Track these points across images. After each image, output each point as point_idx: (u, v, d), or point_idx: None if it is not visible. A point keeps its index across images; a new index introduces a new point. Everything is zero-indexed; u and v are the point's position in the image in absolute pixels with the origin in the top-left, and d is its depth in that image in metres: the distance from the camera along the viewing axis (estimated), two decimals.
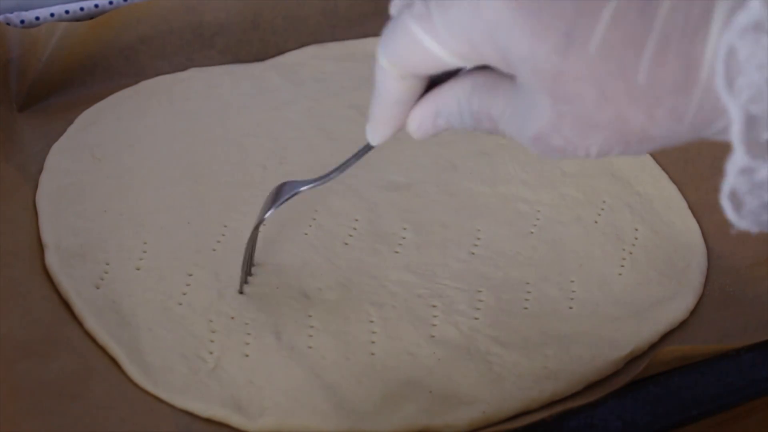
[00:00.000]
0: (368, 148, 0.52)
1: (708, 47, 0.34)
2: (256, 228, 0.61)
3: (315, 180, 0.57)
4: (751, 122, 0.33)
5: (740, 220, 0.37)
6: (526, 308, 0.63)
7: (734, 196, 0.36)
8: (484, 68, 0.43)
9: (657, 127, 0.36)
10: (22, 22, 0.80)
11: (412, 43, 0.42)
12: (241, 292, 0.62)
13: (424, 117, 0.46)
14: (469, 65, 0.42)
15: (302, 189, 0.58)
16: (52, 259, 0.63)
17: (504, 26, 0.37)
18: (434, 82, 0.46)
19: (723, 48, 0.33)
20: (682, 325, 0.63)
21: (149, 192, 0.70)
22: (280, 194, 0.59)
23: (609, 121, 0.37)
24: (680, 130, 0.36)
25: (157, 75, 0.83)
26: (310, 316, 0.61)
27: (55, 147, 0.74)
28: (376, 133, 0.49)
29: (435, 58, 0.42)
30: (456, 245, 0.68)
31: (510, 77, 0.41)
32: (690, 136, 0.37)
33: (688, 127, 0.36)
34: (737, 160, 0.34)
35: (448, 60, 0.42)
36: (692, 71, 0.34)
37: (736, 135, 0.34)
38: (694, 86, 0.34)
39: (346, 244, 0.67)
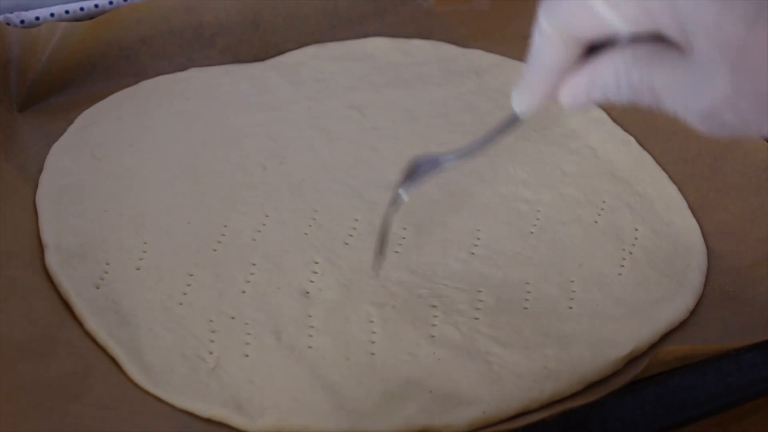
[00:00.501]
0: (513, 119, 0.48)
1: None
2: (392, 205, 0.58)
3: (454, 154, 0.53)
4: None
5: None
6: (526, 308, 0.63)
7: None
8: (647, 38, 0.41)
9: None
10: (22, 22, 0.80)
11: (582, 7, 0.41)
12: (376, 275, 0.63)
13: (578, 87, 0.44)
14: (639, 30, 0.40)
15: (444, 165, 0.54)
16: (52, 259, 0.63)
17: None
18: (591, 50, 0.44)
19: None
20: (682, 325, 0.63)
21: (149, 192, 0.70)
22: (416, 171, 0.56)
23: None
24: None
25: (157, 75, 0.83)
26: (310, 316, 0.61)
27: (55, 147, 0.74)
28: (524, 101, 0.47)
29: (604, 23, 0.40)
30: (456, 245, 0.68)
31: (678, 48, 0.39)
32: None
33: None
34: None
35: (618, 25, 0.40)
36: None
37: None
38: None
39: (346, 244, 0.67)
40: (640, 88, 0.41)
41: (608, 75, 0.43)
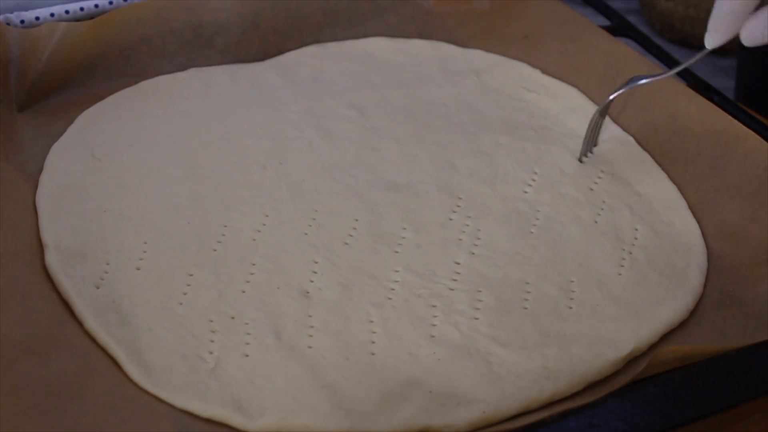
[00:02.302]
0: (705, 51, 0.65)
1: None
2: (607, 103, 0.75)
3: (653, 75, 0.73)
4: None
5: None
6: (525, 308, 0.63)
7: None
8: None
9: None
10: (22, 22, 0.80)
11: None
12: (580, 161, 0.77)
13: (755, 27, 0.55)
14: None
15: (642, 82, 0.73)
16: (52, 259, 0.63)
17: None
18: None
19: None
20: (682, 325, 0.63)
21: (149, 192, 0.70)
22: (628, 83, 0.74)
23: None
24: None
25: (157, 75, 0.83)
26: (310, 316, 0.61)
27: (55, 147, 0.74)
28: (713, 39, 0.60)
29: None
30: (456, 245, 0.68)
31: None
32: None
33: None
34: None
35: None
36: None
37: None
38: None
39: (346, 244, 0.67)
40: None
41: None
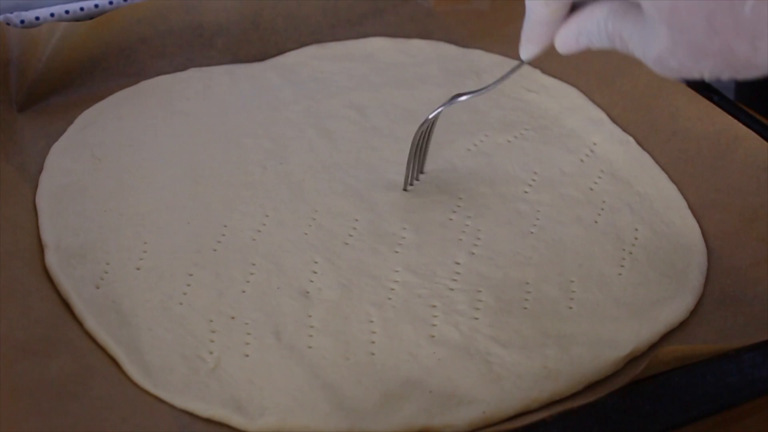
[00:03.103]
0: (521, 63, 0.62)
1: None
2: (421, 126, 0.69)
3: (473, 92, 0.69)
4: None
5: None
6: (525, 308, 0.63)
7: None
8: None
9: (760, 57, 0.41)
10: (22, 22, 0.80)
11: None
12: (405, 189, 0.72)
13: (568, 36, 0.54)
14: None
15: (461, 99, 0.69)
16: (52, 259, 0.63)
17: None
18: (576, 6, 0.54)
19: None
20: (682, 325, 0.63)
21: (149, 192, 0.70)
22: (448, 102, 0.69)
23: (717, 50, 0.42)
24: None
25: (157, 75, 0.83)
26: (310, 316, 0.61)
27: (55, 147, 0.74)
28: (527, 50, 0.59)
29: None
30: (456, 245, 0.68)
31: (638, 5, 0.47)
32: None
33: None
34: None
35: None
36: None
37: None
38: None
39: (346, 244, 0.67)
40: (614, 36, 0.50)
41: (591, 25, 0.52)
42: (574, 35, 0.54)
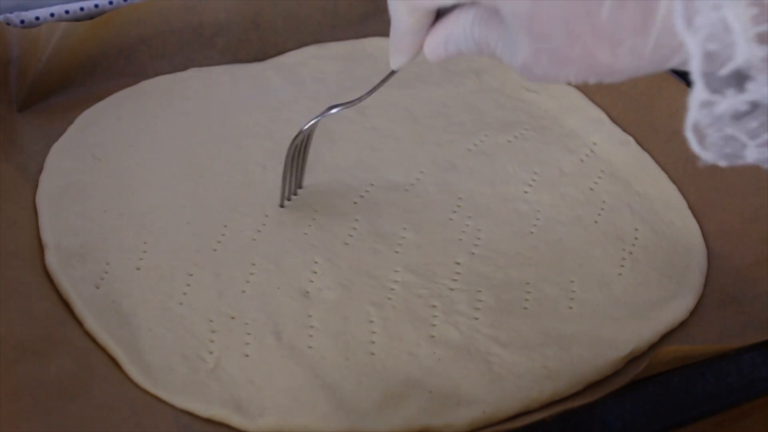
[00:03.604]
0: (392, 73, 0.60)
1: None
2: (295, 140, 0.66)
3: (346, 103, 0.65)
4: (709, 58, 0.37)
5: (705, 152, 0.40)
6: (526, 308, 0.63)
7: (697, 130, 0.39)
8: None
9: (621, 63, 0.41)
10: (22, 22, 0.80)
11: None
12: (281, 206, 0.69)
13: (436, 43, 0.53)
14: (461, 1, 0.48)
15: (333, 111, 0.65)
16: (52, 259, 0.63)
17: None
18: (442, 13, 0.52)
19: None
20: (682, 325, 0.63)
21: (149, 192, 0.70)
22: (324, 112, 0.65)
23: (579, 56, 0.41)
24: (642, 64, 0.41)
25: (157, 75, 0.83)
26: (310, 316, 0.61)
27: (55, 147, 0.74)
28: (395, 60, 0.58)
29: None
30: (456, 245, 0.68)
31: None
32: (651, 69, 0.41)
33: (648, 63, 0.40)
34: (697, 94, 0.37)
35: None
36: (649, 14, 0.38)
37: (695, 70, 0.37)
38: (652, 27, 0.39)
39: (346, 244, 0.67)
40: (480, 43, 0.49)
41: (458, 32, 0.51)
42: (442, 42, 0.53)
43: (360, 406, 0.55)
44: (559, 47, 0.42)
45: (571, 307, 0.63)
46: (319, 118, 0.65)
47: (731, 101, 0.38)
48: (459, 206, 0.71)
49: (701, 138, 0.40)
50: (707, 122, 0.39)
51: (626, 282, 0.66)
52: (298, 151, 0.68)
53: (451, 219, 0.70)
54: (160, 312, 0.60)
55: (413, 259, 0.66)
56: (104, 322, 0.59)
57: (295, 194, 0.70)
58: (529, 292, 0.64)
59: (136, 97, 0.81)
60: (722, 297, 0.65)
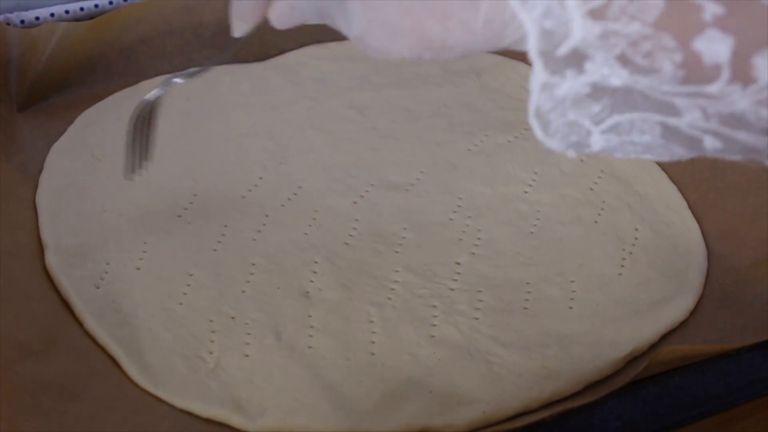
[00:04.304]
0: (235, 41, 0.57)
1: None
2: (138, 106, 0.63)
3: (192, 71, 0.62)
4: (545, 36, 0.36)
5: (550, 140, 0.39)
6: (526, 308, 0.63)
7: (540, 115, 0.38)
8: None
9: (453, 37, 0.40)
10: (22, 22, 0.80)
11: None
12: (126, 179, 0.64)
13: (281, 9, 0.51)
14: None
15: (177, 81, 0.62)
16: (52, 259, 0.63)
17: None
18: None
19: None
20: (682, 325, 0.63)
21: (149, 192, 0.70)
22: (164, 84, 0.63)
23: (410, 29, 0.41)
24: (474, 40, 0.40)
25: (157, 75, 0.83)
26: (310, 316, 0.61)
27: (55, 147, 0.74)
28: (237, 28, 0.55)
29: None
30: (456, 245, 0.68)
31: None
32: (486, 45, 0.41)
33: (482, 39, 0.40)
34: (537, 75, 0.37)
35: None
36: None
37: (532, 49, 0.36)
38: (481, 2, 0.38)
39: (346, 244, 0.67)
40: (323, 11, 0.48)
41: (302, 1, 0.50)
42: (288, 10, 0.51)
43: (360, 406, 0.55)
44: (391, 18, 0.41)
45: (571, 307, 0.63)
46: (161, 88, 0.63)
47: (571, 83, 0.37)
48: (459, 206, 0.71)
49: (545, 124, 0.39)
50: (549, 106, 0.38)
51: (626, 282, 0.66)
52: (143, 120, 0.64)
53: (451, 219, 0.70)
54: (160, 312, 0.60)
55: (413, 259, 0.66)
56: (104, 322, 0.59)
57: (141, 167, 0.65)
58: (529, 292, 0.64)
59: (136, 97, 0.80)
60: (722, 297, 0.65)
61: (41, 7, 0.81)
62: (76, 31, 0.79)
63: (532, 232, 0.70)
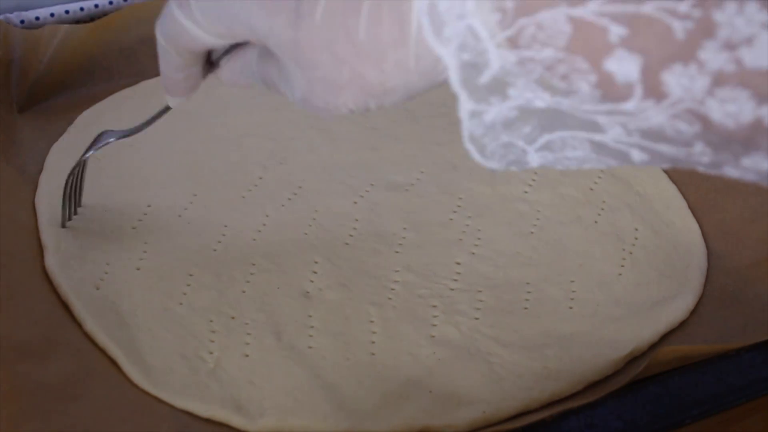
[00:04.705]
0: (167, 108, 0.58)
1: (414, 3, 0.37)
2: (75, 168, 0.64)
3: (126, 131, 0.63)
4: (466, 68, 0.36)
5: (489, 161, 0.40)
6: (526, 308, 0.63)
7: (474, 139, 0.39)
8: None
9: (391, 79, 0.40)
10: (22, 22, 0.80)
11: (179, 27, 0.46)
12: (63, 226, 0.65)
13: (231, 72, 0.52)
14: (230, 42, 0.47)
15: (111, 140, 0.63)
16: (51, 260, 0.63)
17: (245, 8, 0.42)
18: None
19: (424, 2, 0.36)
20: (682, 325, 0.63)
21: (149, 192, 0.70)
22: (97, 141, 0.64)
23: (349, 79, 0.41)
24: (412, 79, 0.40)
25: (157, 75, 0.83)
26: (310, 316, 0.61)
27: (55, 147, 0.74)
28: (173, 101, 0.56)
29: (199, 39, 0.46)
30: (456, 245, 0.68)
31: None
32: (424, 83, 0.41)
33: (418, 77, 0.40)
34: (463, 104, 0.38)
35: (211, 41, 0.46)
36: (405, 26, 0.38)
37: (454, 81, 0.37)
38: (409, 40, 0.38)
39: (347, 244, 0.67)
40: (266, 79, 0.48)
41: (245, 67, 0.50)
42: (238, 72, 0.51)
43: (360, 407, 0.55)
44: (328, 74, 0.41)
45: (571, 307, 0.63)
46: (93, 150, 0.64)
47: (498, 108, 0.37)
48: (459, 206, 0.71)
49: (481, 148, 0.40)
50: (481, 132, 0.39)
51: (626, 282, 0.66)
52: (76, 177, 0.66)
53: (451, 219, 0.70)
54: (160, 312, 0.60)
55: (413, 259, 0.66)
56: (104, 323, 0.59)
57: (76, 213, 0.67)
58: (529, 292, 0.64)
59: (136, 97, 0.81)
60: (722, 297, 0.65)
61: (41, 7, 0.81)
62: (78, 32, 0.79)
63: (532, 232, 0.70)
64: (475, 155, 0.40)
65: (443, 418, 0.55)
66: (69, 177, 0.65)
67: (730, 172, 0.36)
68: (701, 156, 0.35)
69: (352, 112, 0.43)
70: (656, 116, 0.34)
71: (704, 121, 0.33)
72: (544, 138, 0.38)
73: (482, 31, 0.35)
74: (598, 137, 0.37)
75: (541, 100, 0.36)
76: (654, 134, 0.35)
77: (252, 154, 0.75)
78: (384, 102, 0.42)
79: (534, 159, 0.39)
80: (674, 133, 0.34)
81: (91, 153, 0.64)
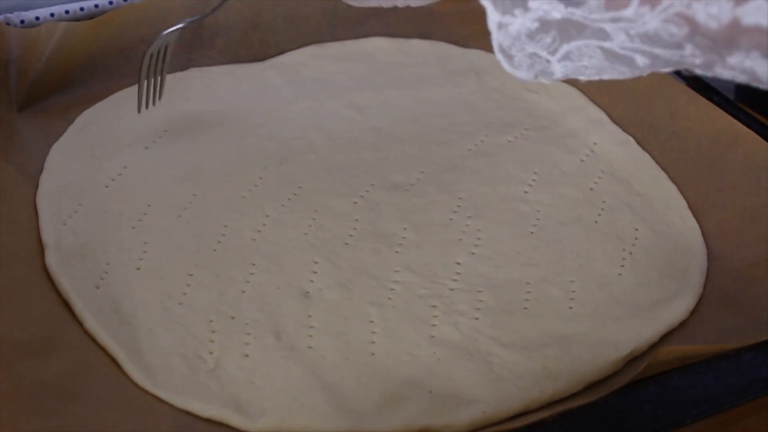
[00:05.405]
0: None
1: None
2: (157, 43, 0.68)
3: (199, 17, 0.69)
4: None
5: (517, 71, 0.44)
6: (526, 308, 0.63)
7: (503, 50, 0.44)
8: None
9: None
10: (22, 22, 0.80)
11: None
12: (139, 111, 0.69)
13: None
14: None
15: (184, 24, 0.68)
16: (52, 259, 0.63)
17: None
18: None
19: None
20: (682, 325, 0.63)
21: (149, 192, 0.70)
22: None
23: None
24: None
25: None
26: (310, 316, 0.61)
27: (55, 147, 0.74)
28: None
29: None
30: (456, 245, 0.68)
31: None
32: None
33: None
34: (491, 16, 0.42)
35: None
36: None
37: None
38: None
39: (347, 244, 0.67)
40: None
41: None
42: None
43: (360, 407, 0.55)
44: None
45: (571, 307, 0.63)
46: (178, 27, 0.68)
47: (521, 20, 0.42)
48: (459, 206, 0.71)
49: (509, 58, 0.44)
50: (509, 43, 0.43)
51: (626, 282, 0.66)
52: (155, 59, 0.69)
53: (451, 219, 0.70)
54: (160, 312, 0.60)
55: (413, 259, 0.66)
56: (104, 322, 0.59)
57: (154, 104, 0.69)
58: (529, 292, 0.64)
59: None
60: (722, 297, 0.65)
61: (41, 7, 0.81)
62: (76, 31, 0.79)
63: (532, 232, 0.70)
64: (505, 65, 0.44)
65: (443, 418, 0.55)
66: (145, 57, 0.68)
67: (721, 73, 0.40)
68: (693, 58, 0.40)
69: (380, 5, 0.47)
70: (651, 21, 0.39)
71: (692, 23, 0.38)
72: (564, 48, 0.42)
73: None
74: (607, 44, 0.41)
75: (557, 11, 0.41)
76: (651, 39, 0.40)
77: (252, 154, 0.75)
78: (410, 2, 0.45)
79: (557, 69, 0.43)
80: (668, 36, 0.39)
81: (176, 28, 0.68)
